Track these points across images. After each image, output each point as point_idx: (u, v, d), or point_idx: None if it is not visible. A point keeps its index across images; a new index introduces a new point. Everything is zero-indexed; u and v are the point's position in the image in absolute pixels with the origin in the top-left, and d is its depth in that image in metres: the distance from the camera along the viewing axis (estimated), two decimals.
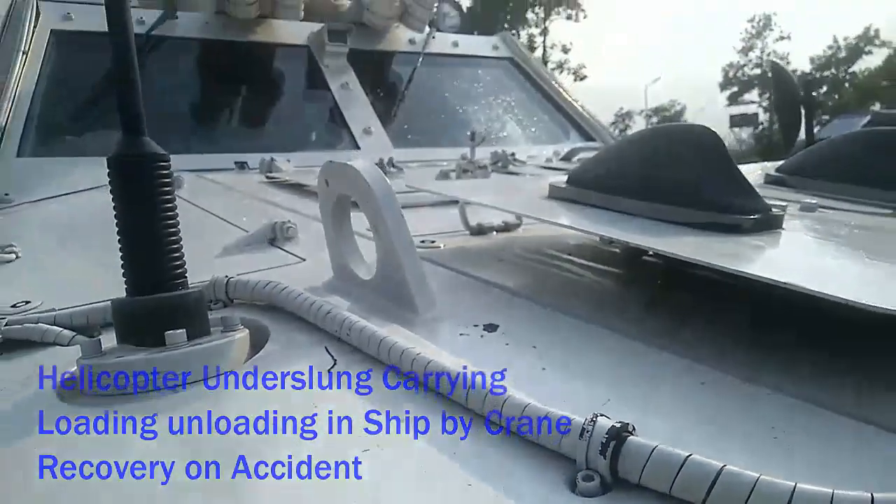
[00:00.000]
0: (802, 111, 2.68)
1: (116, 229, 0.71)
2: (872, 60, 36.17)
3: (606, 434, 0.44)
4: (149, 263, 0.70)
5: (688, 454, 0.41)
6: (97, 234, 1.46)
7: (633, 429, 0.44)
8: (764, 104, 40.25)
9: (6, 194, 1.77)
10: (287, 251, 1.11)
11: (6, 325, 0.83)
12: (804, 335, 0.66)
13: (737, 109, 40.84)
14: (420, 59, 2.79)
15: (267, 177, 1.86)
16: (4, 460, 0.56)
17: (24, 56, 2.01)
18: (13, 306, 0.97)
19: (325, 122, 2.48)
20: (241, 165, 2.12)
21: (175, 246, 0.71)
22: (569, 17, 32.95)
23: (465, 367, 0.56)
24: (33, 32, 2.07)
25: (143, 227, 0.69)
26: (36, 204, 1.74)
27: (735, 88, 40.85)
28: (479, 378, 0.53)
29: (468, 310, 0.78)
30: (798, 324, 0.68)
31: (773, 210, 0.76)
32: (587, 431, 0.44)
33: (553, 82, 3.10)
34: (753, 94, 40.89)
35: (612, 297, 0.83)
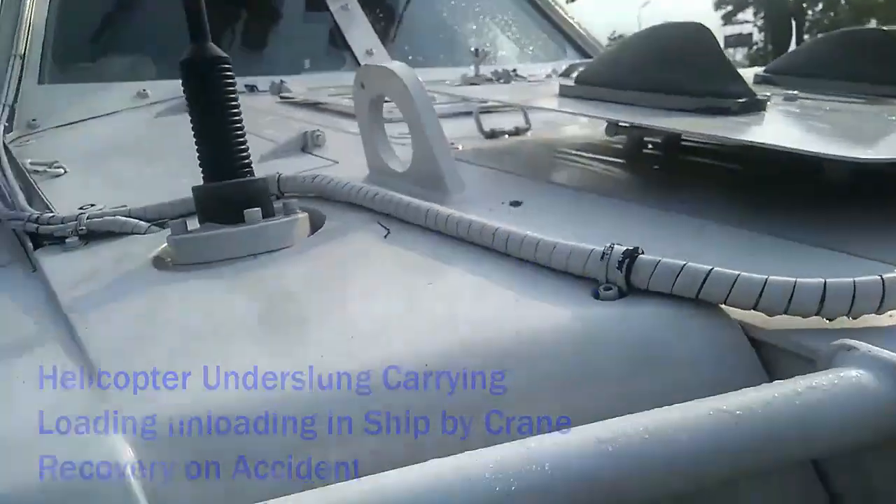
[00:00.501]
0: (793, 25, 2.75)
1: (191, 126, 0.82)
2: None
3: (622, 255, 0.56)
4: (223, 154, 0.81)
5: (683, 262, 0.54)
6: (134, 148, 1.57)
7: (642, 251, 0.57)
8: (758, 24, 39.55)
9: (33, 120, 1.85)
10: (319, 156, 1.22)
11: (88, 218, 0.94)
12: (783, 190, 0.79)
13: (731, 30, 40.17)
14: None
15: (280, 97, 1.94)
16: (128, 315, 0.69)
17: None
18: (81, 208, 1.08)
19: (326, 45, 2.54)
20: (251, 88, 2.20)
21: (243, 139, 0.82)
22: None
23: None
24: None
25: (217, 123, 0.80)
26: (64, 127, 1.83)
27: (729, 8, 40.04)
28: (513, 228, 0.66)
29: (494, 191, 0.90)
30: (775, 182, 0.80)
31: (759, 96, 0.88)
32: (606, 255, 0.57)
33: (549, 1, 3.13)
34: (748, 14, 40.12)
35: (619, 178, 0.95)
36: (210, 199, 0.81)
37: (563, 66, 2.81)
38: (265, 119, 1.62)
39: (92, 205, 1.10)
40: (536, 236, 0.63)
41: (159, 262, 0.82)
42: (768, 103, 0.89)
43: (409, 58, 2.59)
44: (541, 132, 1.31)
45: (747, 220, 0.72)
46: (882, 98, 1.12)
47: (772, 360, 0.52)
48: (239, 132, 0.82)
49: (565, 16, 3.12)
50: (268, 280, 0.71)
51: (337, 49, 2.48)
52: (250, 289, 0.70)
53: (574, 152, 1.12)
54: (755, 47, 39.74)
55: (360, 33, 2.52)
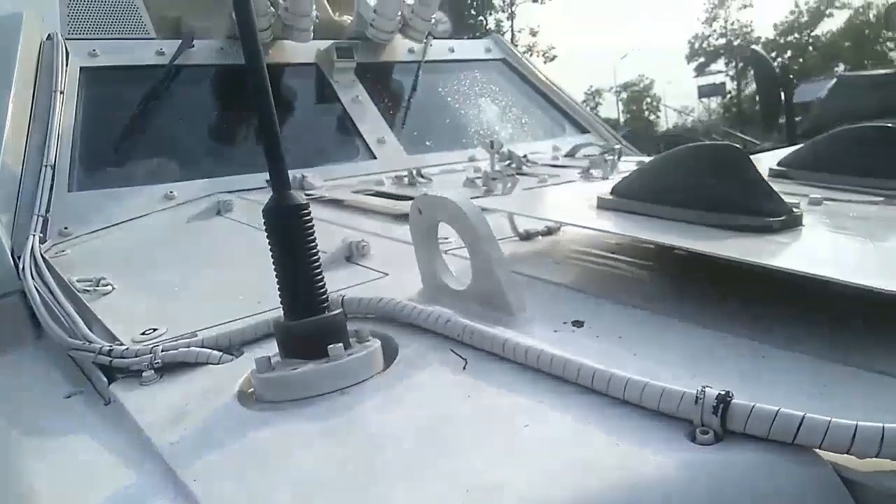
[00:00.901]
0: (782, 94, 2.89)
1: (273, 266, 0.87)
2: (834, 23, 36.74)
3: (716, 399, 0.61)
4: (306, 293, 0.86)
5: (777, 408, 0.59)
6: (173, 257, 1.62)
7: (732, 395, 0.62)
8: (731, 73, 40.83)
9: (65, 228, 1.90)
10: (366, 266, 1.27)
11: (162, 350, 0.98)
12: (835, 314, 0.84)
13: (704, 80, 41.40)
14: (420, 68, 2.95)
15: (305, 195, 2.01)
16: (233, 463, 0.72)
17: (62, 95, 2.13)
18: (143, 333, 1.12)
19: (341, 136, 2.63)
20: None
21: (321, 277, 0.87)
22: (535, 0, 33.11)
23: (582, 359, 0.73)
24: (66, 72, 2.19)
25: (300, 265, 0.85)
26: (97, 235, 1.88)
27: (701, 59, 41.35)
28: (600, 366, 0.70)
29: (553, 310, 0.95)
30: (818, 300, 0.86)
31: (794, 210, 0.94)
32: (700, 399, 0.62)
33: (544, 79, 3.26)
34: (720, 64, 41.44)
35: (667, 291, 1.00)
36: (294, 336, 0.85)
37: (564, 143, 2.92)
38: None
39: (154, 329, 1.13)
40: (624, 375, 0.68)
41: (244, 398, 0.86)
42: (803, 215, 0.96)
43: (419, 143, 2.69)
44: (571, 230, 1.37)
45: (805, 342, 0.77)
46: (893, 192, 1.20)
47: (865, 500, 0.56)
48: (318, 271, 0.87)
49: (561, 93, 3.25)
50: (363, 422, 0.74)
51: (351, 139, 2.57)
52: (349, 433, 0.73)
53: (608, 254, 1.18)
54: (729, 96, 40.86)
55: (371, 123, 2.62)
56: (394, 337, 0.93)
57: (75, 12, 2.43)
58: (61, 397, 1.11)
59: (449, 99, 3.03)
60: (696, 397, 0.62)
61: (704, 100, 40.53)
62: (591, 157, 2.05)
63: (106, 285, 1.40)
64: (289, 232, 0.86)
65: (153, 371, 0.96)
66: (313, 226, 0.87)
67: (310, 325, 0.84)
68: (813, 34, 37.09)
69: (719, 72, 41.29)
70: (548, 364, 0.75)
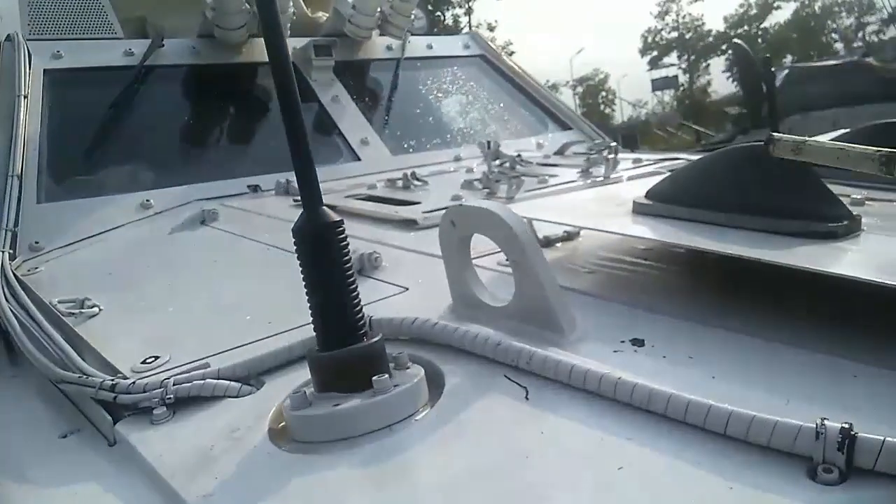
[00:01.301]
0: (764, 87, 2.88)
1: (305, 290, 0.78)
2: (782, 15, 37.68)
3: (840, 434, 0.55)
4: (344, 318, 0.77)
5: None
6: (160, 272, 1.50)
7: (856, 431, 0.55)
8: (683, 66, 41.55)
9: (36, 242, 1.77)
10: (382, 280, 1.19)
11: (174, 384, 0.88)
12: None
13: (657, 73, 42.05)
14: (399, 65, 2.86)
15: (294, 200, 1.91)
16: None
17: (25, 100, 1.99)
18: (143, 362, 1.02)
19: (321, 137, 2.53)
20: (255, 189, 2.16)
21: (357, 299, 0.78)
22: None
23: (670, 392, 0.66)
24: (29, 75, 2.05)
25: (335, 287, 0.77)
26: (71, 249, 1.75)
27: (655, 53, 41.97)
28: (692, 397, 0.64)
29: (605, 326, 0.88)
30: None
31: (854, 215, 0.89)
32: (821, 434, 0.56)
33: (524, 75, 3.20)
34: (672, 58, 42.14)
35: (710, 299, 0.94)
36: (334, 368, 0.76)
37: (547, 139, 2.87)
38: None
39: (155, 357, 1.03)
40: (725, 407, 0.61)
41: (277, 437, 0.77)
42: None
43: (404, 143, 2.60)
44: (590, 234, 1.31)
45: (885, 357, 0.72)
46: None
47: None
48: (355, 294, 0.78)
49: (541, 89, 3.20)
50: (423, 464, 0.66)
51: (331, 140, 2.47)
52: (405, 477, 0.65)
53: (644, 262, 1.12)
54: (681, 89, 41.61)
55: (353, 123, 2.53)
56: (435, 362, 0.85)
57: (37, 11, 2.28)
58: (56, 437, 1.00)
59: (430, 97, 2.95)
60: (818, 432, 0.56)
61: (658, 93, 41.17)
62: (590, 156, 1.99)
63: (92, 307, 1.28)
64: (324, 252, 0.77)
65: (165, 408, 0.87)
66: (348, 244, 0.79)
67: (352, 354, 0.76)
68: (762, 27, 37.97)
69: (672, 65, 42.02)
70: (628, 394, 0.68)
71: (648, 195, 1.07)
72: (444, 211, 0.96)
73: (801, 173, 0.89)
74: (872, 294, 0.73)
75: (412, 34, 3.02)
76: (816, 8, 37.59)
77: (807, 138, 0.82)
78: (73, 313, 1.26)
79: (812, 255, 0.81)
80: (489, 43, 3.30)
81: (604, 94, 44.59)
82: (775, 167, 0.90)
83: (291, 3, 2.47)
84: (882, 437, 0.54)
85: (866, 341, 0.76)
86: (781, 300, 0.88)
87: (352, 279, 0.78)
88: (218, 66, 2.41)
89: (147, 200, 1.97)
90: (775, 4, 37.33)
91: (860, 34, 36.62)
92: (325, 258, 0.77)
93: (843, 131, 1.38)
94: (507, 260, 0.89)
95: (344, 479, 0.67)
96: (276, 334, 1.03)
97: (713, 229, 0.93)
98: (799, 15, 37.23)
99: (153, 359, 1.03)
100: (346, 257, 0.78)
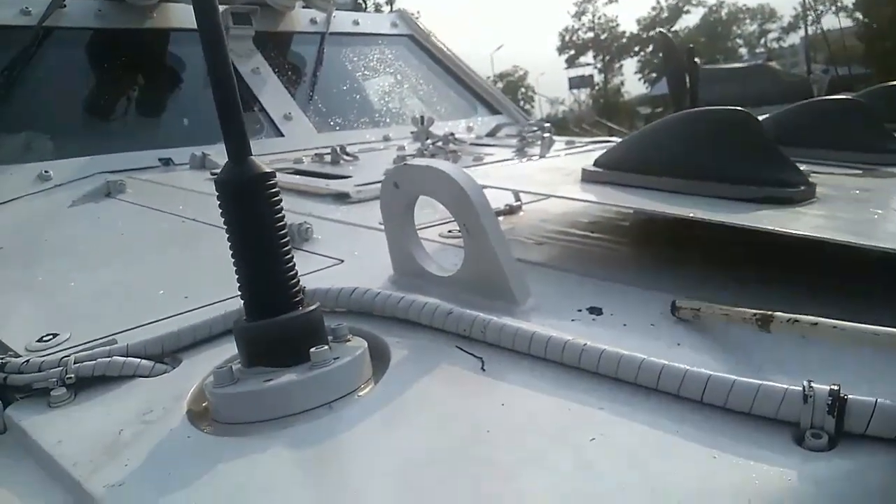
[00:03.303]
0: (688, 78, 2.93)
1: (231, 253, 0.69)
2: (691, 19, 39.29)
3: (830, 397, 0.51)
4: (274, 284, 0.68)
5: None
6: (60, 248, 1.35)
7: (845, 393, 0.52)
8: (598, 66, 42.68)
9: None
10: (315, 252, 1.10)
11: (76, 362, 0.77)
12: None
13: (574, 72, 43.02)
14: (324, 40, 2.74)
15: (212, 174, 1.78)
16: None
17: None
18: (40, 340, 0.90)
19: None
20: (167, 162, 2.00)
21: (292, 263, 0.70)
22: None
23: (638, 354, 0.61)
24: None
25: (267, 249, 0.68)
26: None
27: (572, 52, 42.94)
28: (664, 362, 0.59)
29: (559, 295, 0.82)
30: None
31: (810, 180, 0.87)
32: (809, 397, 0.51)
33: (454, 58, 3.14)
34: (588, 57, 43.23)
35: (662, 266, 0.91)
36: (266, 340, 0.67)
37: (477, 123, 2.82)
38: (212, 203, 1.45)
39: (53, 334, 0.91)
40: (703, 372, 0.57)
41: (198, 419, 0.67)
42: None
43: (329, 120, 2.50)
44: (532, 208, 1.26)
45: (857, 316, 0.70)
46: (869, 167, 1.17)
47: None
48: (290, 257, 0.69)
49: (471, 73, 3.15)
50: (372, 444, 0.59)
51: (253, 114, 2.33)
52: (354, 459, 0.57)
53: (591, 234, 1.07)
54: (597, 87, 42.78)
55: (275, 98, 2.40)
56: (379, 335, 0.77)
57: None
58: None
59: (357, 74, 2.84)
60: (805, 395, 0.52)
61: (575, 91, 42.15)
62: (525, 135, 1.95)
63: None
64: (252, 207, 0.67)
65: (65, 389, 0.75)
66: (281, 200, 0.70)
67: (286, 324, 0.67)
68: (672, 30, 39.42)
69: (588, 64, 43.11)
70: (594, 362, 0.62)
71: (597, 163, 1.02)
72: (379, 183, 0.88)
73: (757, 140, 0.86)
74: (832, 256, 0.71)
75: (337, 9, 2.90)
76: (723, 14, 39.41)
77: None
78: None
79: (773, 217, 0.78)
80: (417, 23, 3.22)
81: (523, 90, 45.24)
82: (729, 132, 0.87)
83: None
84: (874, 399, 0.50)
85: (826, 302, 0.74)
86: (737, 266, 0.85)
87: (285, 240, 0.70)
88: (122, 31, 2.23)
89: (45, 172, 1.79)
90: (685, 9, 38.90)
91: (762, 40, 38.68)
92: (253, 214, 0.68)
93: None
94: (452, 231, 0.82)
95: (275, 462, 0.58)
96: (194, 309, 0.93)
97: (668, 195, 0.90)
98: (707, 20, 38.94)
99: (51, 336, 0.90)
100: (279, 214, 0.69)
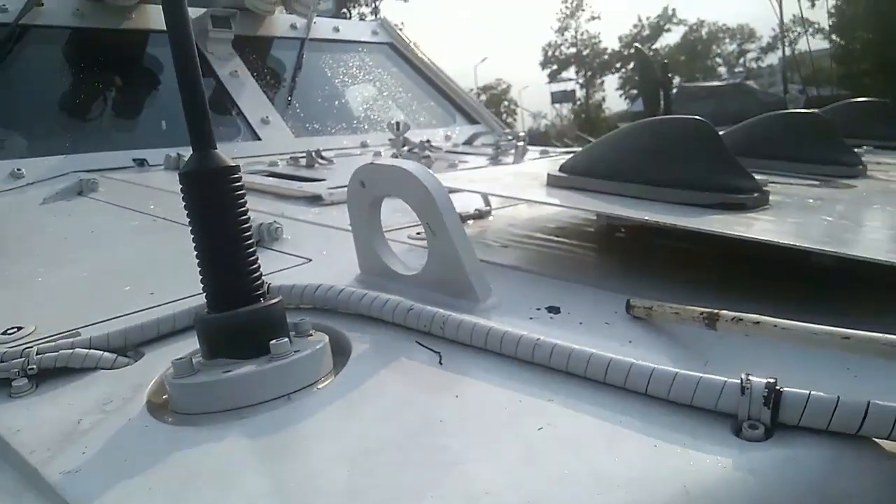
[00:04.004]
0: (661, 91, 2.99)
1: (194, 244, 0.70)
2: (672, 37, 39.87)
3: (766, 389, 0.53)
4: (238, 275, 0.69)
5: (836, 396, 0.52)
6: (29, 245, 1.35)
7: (781, 386, 0.54)
8: (580, 81, 43.10)
9: None
10: (283, 252, 1.11)
11: (38, 353, 0.77)
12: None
13: (557, 87, 43.40)
14: (304, 45, 2.75)
15: None
16: (127, 489, 0.55)
17: None
18: (5, 333, 0.90)
19: (217, 114, 2.38)
20: (141, 162, 2.00)
21: (255, 256, 0.71)
22: None
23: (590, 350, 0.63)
24: None
25: (229, 241, 0.69)
26: None
27: (554, 66, 43.31)
28: (612, 356, 0.61)
29: (520, 295, 0.84)
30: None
31: (764, 189, 0.90)
32: (746, 389, 0.54)
33: (433, 67, 3.17)
34: (570, 72, 43.62)
35: (619, 268, 0.93)
36: (225, 331, 0.68)
37: (455, 132, 2.85)
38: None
39: (18, 327, 0.91)
40: (647, 365, 0.59)
41: (157, 410, 0.68)
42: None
43: (307, 125, 2.51)
44: (501, 213, 1.28)
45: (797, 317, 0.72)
46: (826, 178, 1.21)
47: None
48: (252, 251, 0.70)
49: (450, 82, 3.17)
50: (328, 435, 0.60)
51: (229, 118, 2.34)
52: (308, 451, 0.58)
53: (555, 239, 1.10)
54: (578, 102, 43.15)
55: (253, 101, 2.41)
56: (341, 330, 0.78)
57: None
58: None
59: (336, 80, 2.85)
60: (742, 388, 0.54)
61: (557, 105, 42.48)
62: (500, 144, 1.98)
63: None
64: (216, 198, 0.69)
65: (27, 380, 0.76)
66: (245, 193, 0.71)
67: (247, 316, 0.68)
68: (653, 48, 39.92)
69: (570, 79, 43.50)
70: (546, 356, 0.64)
71: (562, 168, 1.05)
72: None
73: (715, 147, 0.89)
74: (785, 260, 0.73)
75: (318, 15, 2.92)
76: (703, 33, 40.03)
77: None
78: None
79: (724, 222, 0.81)
80: (398, 32, 3.24)
81: (506, 103, 45.50)
82: (689, 140, 0.89)
83: None
84: (807, 392, 0.53)
85: (777, 302, 0.76)
86: (692, 268, 0.88)
87: (248, 233, 0.71)
88: (104, 31, 2.22)
89: (18, 169, 1.78)
90: (666, 27, 39.44)
91: (741, 60, 39.33)
92: (215, 204, 0.69)
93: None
94: (422, 233, 0.83)
95: (233, 451, 0.59)
96: (158, 305, 0.94)
97: (628, 200, 0.92)
98: (687, 39, 39.52)
99: (15, 329, 0.91)
100: (243, 208, 0.70)
